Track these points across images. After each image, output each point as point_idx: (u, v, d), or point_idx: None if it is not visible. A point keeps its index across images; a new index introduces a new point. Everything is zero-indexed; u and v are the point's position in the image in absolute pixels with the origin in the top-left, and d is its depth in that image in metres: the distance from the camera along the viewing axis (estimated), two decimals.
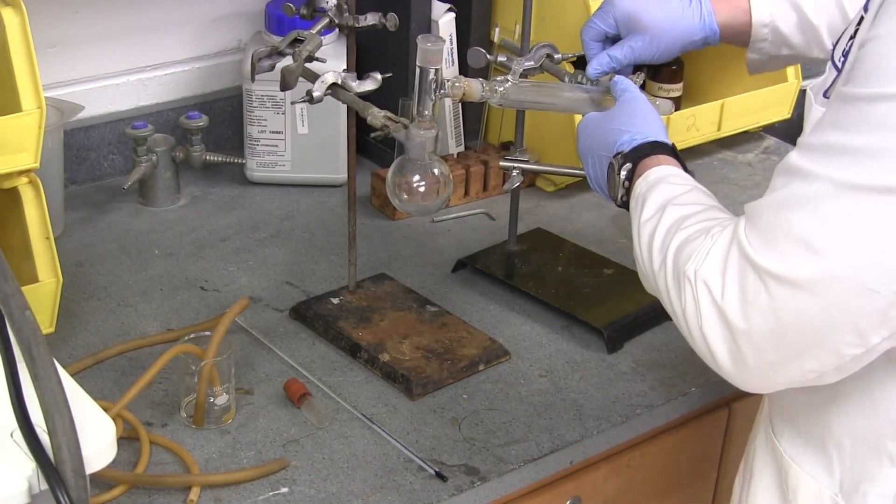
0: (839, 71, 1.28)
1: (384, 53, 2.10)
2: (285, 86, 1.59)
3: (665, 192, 1.37)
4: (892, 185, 1.09)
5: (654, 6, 1.65)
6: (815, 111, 1.33)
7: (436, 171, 1.54)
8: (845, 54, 1.28)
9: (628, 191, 1.44)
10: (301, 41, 1.63)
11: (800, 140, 1.21)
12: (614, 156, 1.47)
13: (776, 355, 1.18)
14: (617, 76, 1.61)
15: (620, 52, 1.64)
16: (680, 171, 1.43)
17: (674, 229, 1.31)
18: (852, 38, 1.27)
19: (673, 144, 1.47)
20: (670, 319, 1.47)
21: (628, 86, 1.58)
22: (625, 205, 1.46)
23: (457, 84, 1.54)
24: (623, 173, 1.45)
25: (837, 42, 1.34)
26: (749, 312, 1.17)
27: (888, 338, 1.15)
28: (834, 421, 1.33)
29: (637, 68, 2.32)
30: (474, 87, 1.56)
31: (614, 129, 1.50)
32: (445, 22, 2.14)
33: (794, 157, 1.18)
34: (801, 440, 1.39)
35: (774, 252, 1.15)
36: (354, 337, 1.70)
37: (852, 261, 1.11)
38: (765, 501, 1.47)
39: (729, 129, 2.36)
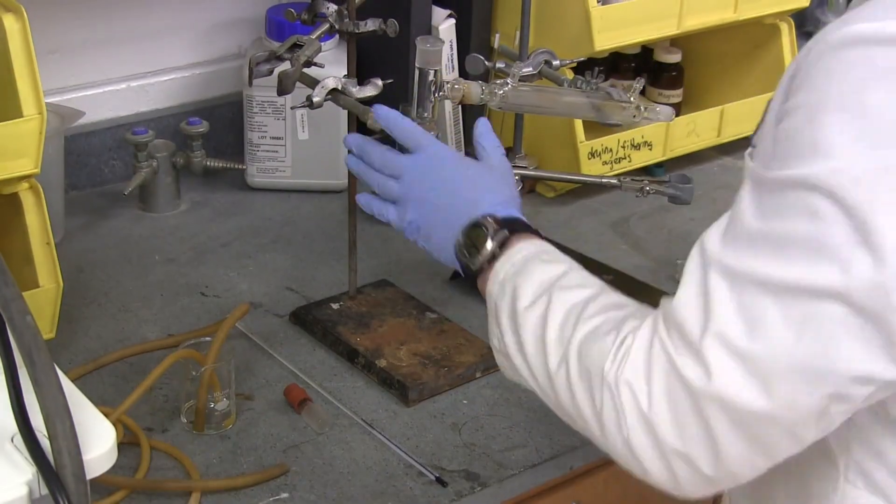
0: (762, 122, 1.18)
1: (385, 59, 2.10)
2: (282, 90, 1.59)
3: (543, 273, 1.24)
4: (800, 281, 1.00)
5: None
6: (747, 165, 1.15)
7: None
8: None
9: (491, 260, 1.29)
10: (300, 46, 1.63)
11: (718, 225, 1.11)
12: (483, 216, 1.31)
13: (718, 468, 1.08)
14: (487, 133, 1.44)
15: None
16: (550, 246, 1.30)
17: (572, 320, 1.17)
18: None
19: (536, 228, 1.34)
20: None
21: (494, 143, 1.43)
22: (472, 274, 1.32)
23: (456, 86, 1.54)
24: (496, 241, 1.29)
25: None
26: (684, 435, 1.06)
27: (822, 430, 1.06)
28: (775, 490, 1.25)
29: (637, 74, 2.34)
30: (473, 90, 1.56)
31: (490, 187, 1.37)
32: (446, 28, 2.14)
33: (709, 241, 1.10)
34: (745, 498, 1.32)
35: (700, 363, 1.04)
36: (352, 342, 1.70)
37: (785, 381, 1.01)
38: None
39: (729, 135, 2.36)
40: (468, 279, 1.33)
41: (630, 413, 1.08)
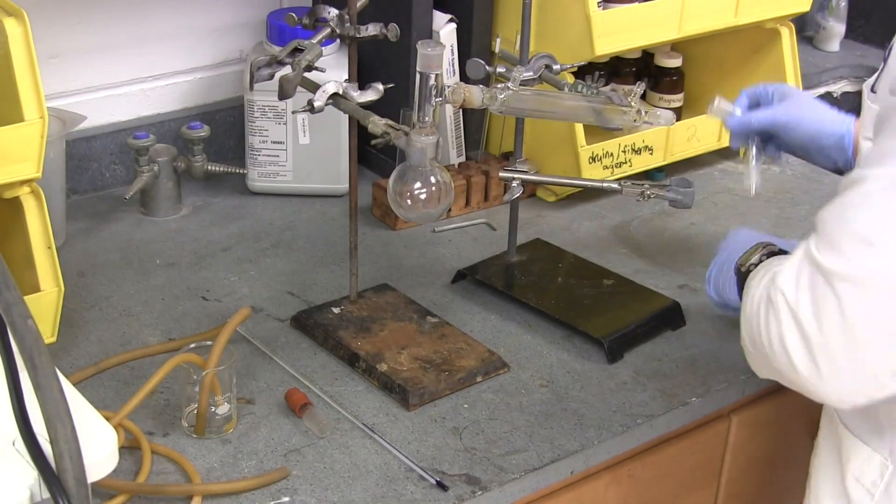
0: (885, 63, 1.32)
1: (386, 64, 2.10)
2: (283, 95, 1.60)
3: (761, 269, 1.42)
4: None
5: (808, 96, 1.76)
6: (864, 106, 1.38)
7: (437, 178, 1.54)
8: (889, 50, 1.33)
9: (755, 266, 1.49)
10: (301, 51, 1.63)
11: (859, 158, 1.29)
12: (764, 244, 1.54)
13: (852, 359, 1.21)
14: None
15: (766, 110, 1.74)
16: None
17: (762, 271, 1.36)
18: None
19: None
20: (671, 329, 1.49)
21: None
22: (742, 276, 1.51)
23: (457, 90, 1.54)
24: (759, 253, 1.51)
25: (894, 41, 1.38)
26: (820, 317, 1.20)
27: None
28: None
29: (637, 78, 2.34)
30: (475, 94, 1.56)
31: (741, 240, 1.61)
32: (447, 32, 2.15)
33: (855, 170, 1.23)
34: (858, 413, 1.44)
35: (837, 253, 1.19)
36: (353, 347, 1.70)
37: None
38: (824, 469, 1.53)
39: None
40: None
41: (783, 313, 1.24)
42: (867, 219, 1.18)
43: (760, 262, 1.49)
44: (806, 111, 1.74)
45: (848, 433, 1.47)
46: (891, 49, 1.34)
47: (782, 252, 1.52)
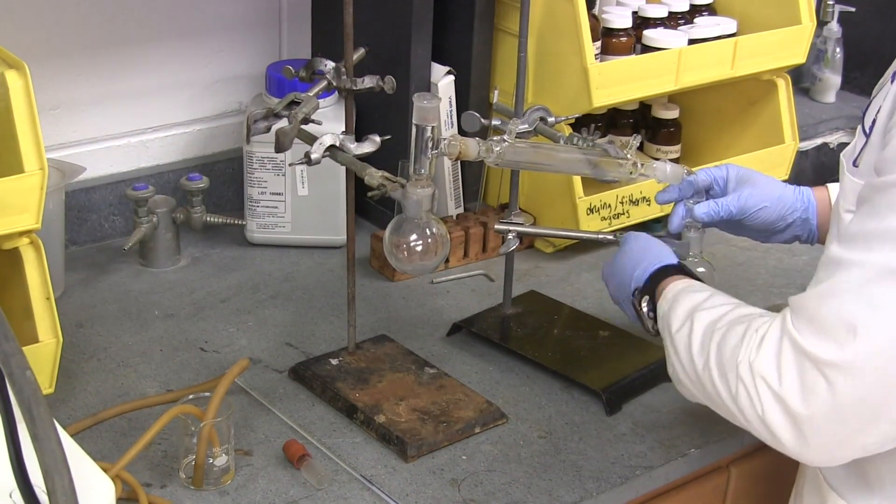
0: (867, 137, 1.32)
1: (385, 116, 2.11)
2: (280, 147, 1.60)
3: (688, 302, 1.45)
4: None
5: (756, 172, 1.75)
6: (846, 180, 1.38)
7: (433, 230, 1.55)
8: (872, 124, 1.33)
9: (656, 318, 1.54)
10: (298, 103, 1.64)
11: (839, 231, 1.29)
12: (633, 294, 1.59)
13: (839, 435, 1.25)
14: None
15: (727, 199, 1.71)
16: (694, 281, 1.53)
17: (710, 330, 1.37)
18: (878, 110, 1.32)
19: (680, 263, 1.59)
20: (668, 381, 1.50)
21: (628, 234, 1.70)
22: (658, 332, 1.54)
23: (453, 142, 1.55)
24: (645, 307, 1.56)
25: (867, 108, 1.38)
26: (809, 400, 1.23)
27: None
28: (877, 456, 1.37)
29: (634, 130, 2.35)
30: (471, 146, 1.57)
31: (624, 270, 1.62)
32: (445, 84, 2.16)
33: (835, 249, 1.25)
34: (843, 468, 1.44)
35: (826, 340, 1.21)
36: (351, 398, 1.70)
37: None
38: None
39: None
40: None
41: (764, 395, 1.27)
42: (855, 308, 1.20)
43: (653, 317, 1.54)
44: (769, 191, 1.72)
45: (833, 494, 1.47)
46: (873, 124, 1.34)
47: (667, 271, 1.55)
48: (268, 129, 1.67)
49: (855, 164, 1.36)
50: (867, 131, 1.35)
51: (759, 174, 1.74)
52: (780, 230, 1.73)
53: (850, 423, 1.23)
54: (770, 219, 1.71)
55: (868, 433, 1.25)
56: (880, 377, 1.20)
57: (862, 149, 1.35)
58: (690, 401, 1.48)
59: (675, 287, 1.51)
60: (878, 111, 1.32)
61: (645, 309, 1.56)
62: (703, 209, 1.68)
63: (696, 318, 1.41)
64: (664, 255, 1.60)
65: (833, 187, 1.74)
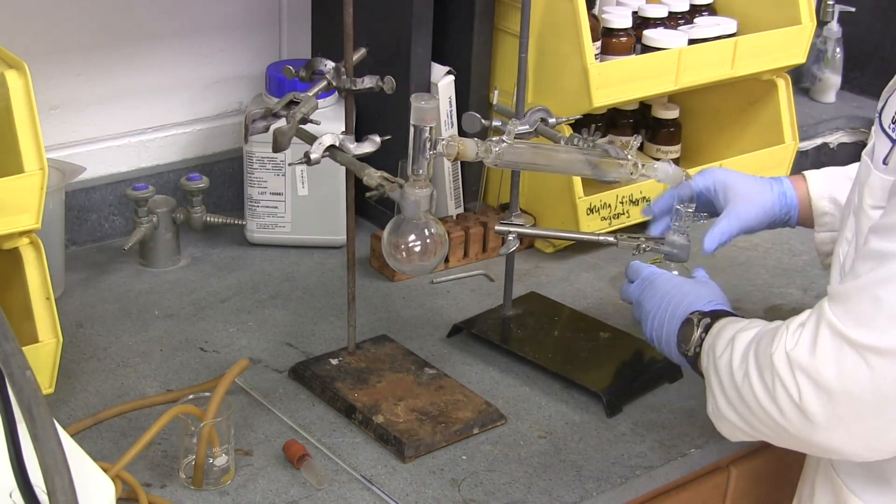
0: (894, 141, 1.33)
1: (385, 116, 2.11)
2: (277, 147, 1.60)
3: (731, 329, 1.46)
4: None
5: (740, 178, 1.78)
6: (874, 177, 1.37)
7: (431, 230, 1.55)
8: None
9: (701, 344, 1.53)
10: (297, 103, 1.64)
11: (875, 224, 1.29)
12: (691, 313, 1.58)
13: (877, 422, 1.26)
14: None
15: (728, 223, 1.75)
16: (743, 318, 1.53)
17: (751, 343, 1.39)
18: None
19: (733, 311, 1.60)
20: (669, 382, 1.50)
21: (701, 272, 1.72)
22: (694, 357, 1.55)
23: (451, 143, 1.55)
24: (701, 328, 1.54)
25: (883, 108, 1.38)
26: (849, 387, 1.25)
27: None
28: None
29: (634, 130, 2.35)
30: (469, 147, 1.56)
31: (692, 292, 1.63)
32: (445, 84, 2.16)
33: (875, 241, 1.26)
34: (862, 472, 1.45)
35: (871, 329, 1.23)
36: (350, 398, 1.70)
37: None
38: None
39: None
40: (690, 365, 1.59)
41: (803, 383, 1.27)
42: None
43: (702, 337, 1.54)
44: (758, 200, 1.77)
45: (847, 490, 1.47)
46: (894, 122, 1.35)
47: (717, 314, 1.56)
48: (266, 129, 1.67)
49: (885, 162, 1.36)
50: (890, 133, 1.36)
51: (739, 176, 1.76)
52: (763, 227, 1.80)
53: (889, 411, 1.24)
54: (760, 227, 1.78)
55: None
56: None
57: (891, 150, 1.35)
58: (730, 438, 1.49)
59: (724, 321, 1.52)
60: None
61: (700, 329, 1.55)
62: (711, 242, 1.73)
63: (737, 339, 1.42)
64: (723, 299, 1.63)
65: (811, 175, 1.79)
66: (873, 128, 1.42)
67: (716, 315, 1.56)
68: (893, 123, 1.35)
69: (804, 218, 1.82)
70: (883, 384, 1.22)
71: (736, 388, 1.39)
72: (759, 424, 1.37)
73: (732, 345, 1.42)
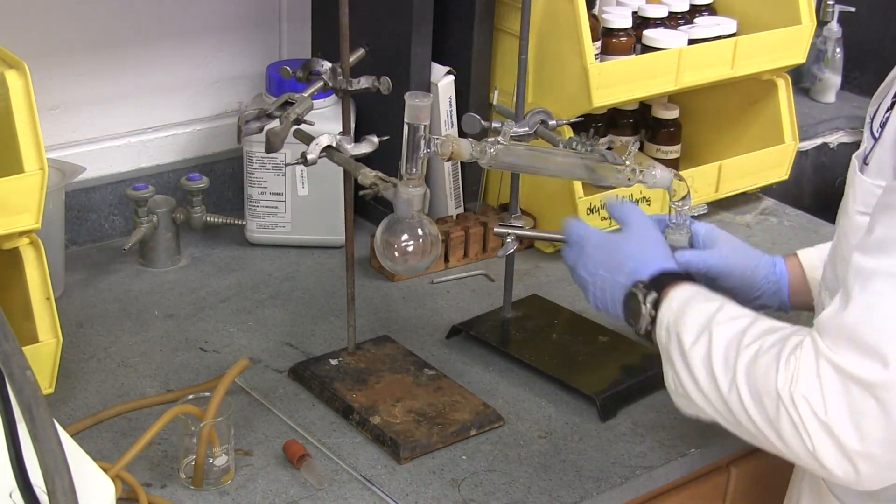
0: (876, 140, 1.31)
1: (384, 116, 2.11)
2: (270, 148, 1.60)
3: (700, 313, 1.39)
4: None
5: (734, 238, 1.72)
6: (857, 180, 1.36)
7: (424, 230, 1.55)
8: (883, 125, 1.31)
9: (654, 319, 1.47)
10: (292, 104, 1.64)
11: (861, 242, 1.24)
12: (633, 284, 1.51)
13: (891, 457, 1.21)
14: (622, 203, 1.65)
15: (710, 255, 1.67)
16: (702, 287, 1.47)
17: (734, 348, 1.31)
18: (889, 109, 1.31)
19: (686, 272, 1.53)
20: (664, 388, 1.48)
21: (633, 210, 1.61)
22: (647, 333, 1.49)
23: (445, 142, 1.54)
24: (648, 304, 1.48)
25: (875, 112, 1.37)
26: (861, 424, 1.18)
27: None
28: None
29: (635, 130, 2.35)
30: (464, 147, 1.56)
31: (631, 255, 1.54)
32: (445, 85, 2.16)
33: (861, 259, 1.21)
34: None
35: (870, 360, 1.17)
36: (348, 399, 1.70)
37: None
38: None
39: (727, 190, 2.37)
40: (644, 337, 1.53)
41: (810, 423, 1.21)
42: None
43: (652, 315, 1.47)
44: (746, 255, 1.69)
45: (835, 499, 1.46)
46: (882, 125, 1.32)
47: (661, 282, 1.48)
48: (260, 130, 1.67)
49: (866, 162, 1.36)
50: (875, 133, 1.35)
51: (728, 234, 1.71)
52: (750, 299, 1.68)
53: None
54: (744, 284, 1.68)
55: None
56: None
57: (871, 149, 1.35)
58: (687, 413, 1.43)
59: (681, 294, 1.45)
60: (889, 112, 1.31)
61: (648, 306, 1.47)
62: (684, 257, 1.63)
63: (714, 333, 1.34)
64: (668, 257, 1.54)
65: (804, 254, 1.71)
66: (865, 132, 1.41)
67: (660, 283, 1.48)
68: (881, 126, 1.34)
69: (796, 299, 1.72)
70: (894, 420, 1.17)
71: (719, 393, 1.32)
72: (744, 432, 1.33)
73: (710, 339, 1.34)
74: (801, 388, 1.21)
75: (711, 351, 1.33)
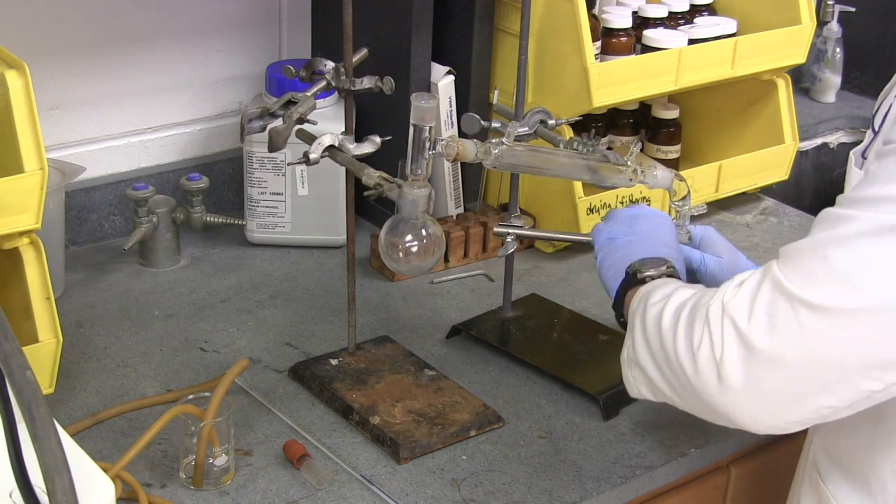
0: (876, 134, 1.32)
1: (385, 116, 2.11)
2: (273, 147, 1.60)
3: (671, 287, 1.39)
4: None
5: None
6: (854, 174, 1.37)
7: (428, 230, 1.55)
8: (884, 119, 1.32)
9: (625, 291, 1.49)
10: (295, 103, 1.64)
11: (839, 197, 1.25)
12: (668, 264, 1.51)
13: (797, 387, 1.20)
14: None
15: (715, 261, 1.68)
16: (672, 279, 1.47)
17: (690, 299, 1.32)
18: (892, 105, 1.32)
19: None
20: None
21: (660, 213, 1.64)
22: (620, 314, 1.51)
23: (450, 143, 1.55)
24: (660, 270, 1.49)
25: (879, 107, 1.37)
26: (777, 341, 1.19)
27: None
28: (878, 460, 1.37)
29: (635, 130, 2.35)
30: (468, 148, 1.56)
31: (665, 241, 1.56)
32: (445, 84, 2.16)
33: (834, 209, 1.22)
34: (846, 481, 1.43)
35: (814, 285, 1.18)
36: (348, 399, 1.70)
37: (892, 295, 1.15)
38: None
39: (727, 190, 2.37)
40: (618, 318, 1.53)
41: (728, 333, 1.22)
42: (852, 260, 1.17)
43: (659, 276, 1.48)
44: (732, 264, 1.68)
45: (832, 500, 1.46)
46: (886, 115, 1.33)
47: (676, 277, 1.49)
48: (263, 129, 1.67)
49: (864, 155, 1.36)
50: (876, 128, 1.35)
51: (723, 239, 1.71)
52: None
53: (814, 375, 1.19)
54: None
55: (825, 394, 1.20)
56: (860, 330, 1.16)
57: (870, 143, 1.35)
58: (635, 392, 1.43)
59: (666, 280, 1.46)
60: (890, 108, 1.32)
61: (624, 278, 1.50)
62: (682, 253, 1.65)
63: (676, 293, 1.36)
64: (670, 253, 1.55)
65: None
66: (868, 130, 1.42)
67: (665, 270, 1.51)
68: (883, 120, 1.35)
69: None
70: (813, 344, 1.17)
71: (660, 334, 1.32)
72: (672, 378, 1.32)
73: (669, 297, 1.35)
74: (734, 301, 1.23)
75: (667, 305, 1.34)
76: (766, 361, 1.19)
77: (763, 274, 1.23)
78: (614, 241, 1.58)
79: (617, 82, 2.08)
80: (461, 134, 2.04)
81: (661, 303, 1.35)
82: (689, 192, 1.66)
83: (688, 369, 1.27)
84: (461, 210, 2.25)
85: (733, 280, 1.26)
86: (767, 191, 2.49)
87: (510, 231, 1.74)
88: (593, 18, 2.12)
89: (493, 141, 1.59)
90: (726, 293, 1.25)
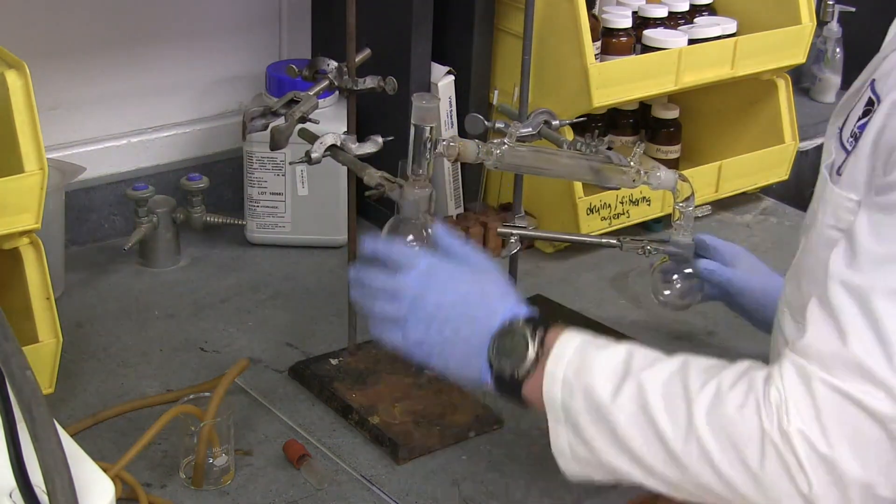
0: (849, 152, 1.29)
1: (386, 116, 2.11)
2: (275, 145, 1.60)
3: (607, 360, 1.25)
4: None
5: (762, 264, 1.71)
6: (829, 191, 1.31)
7: (429, 230, 1.55)
8: (855, 136, 1.28)
9: (535, 362, 1.29)
10: (297, 102, 1.64)
11: (846, 257, 1.17)
12: (511, 320, 1.32)
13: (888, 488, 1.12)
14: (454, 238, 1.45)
15: (733, 272, 1.67)
16: (589, 333, 1.31)
17: (680, 397, 1.18)
18: (861, 118, 1.28)
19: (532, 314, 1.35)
20: None
21: (460, 244, 1.43)
22: (514, 382, 1.29)
23: (452, 144, 1.55)
24: (534, 345, 1.29)
25: (845, 122, 1.34)
26: (864, 453, 1.10)
27: None
28: None
29: (635, 130, 2.35)
30: (470, 148, 1.56)
31: (493, 290, 1.36)
32: (445, 85, 2.16)
33: (852, 277, 1.14)
34: None
35: (884, 392, 1.08)
36: (347, 398, 1.70)
37: None
38: None
39: (727, 190, 2.37)
40: (502, 390, 1.31)
41: (808, 460, 1.10)
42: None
43: (538, 356, 1.28)
44: (758, 280, 1.67)
45: None
46: (861, 132, 1.27)
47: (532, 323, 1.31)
48: (265, 127, 1.66)
49: (839, 173, 1.31)
50: (847, 146, 1.30)
51: (750, 254, 1.71)
52: (761, 319, 1.66)
53: None
54: (758, 304, 1.67)
55: None
56: None
57: (844, 161, 1.30)
58: (575, 477, 1.31)
59: (569, 342, 1.29)
60: (862, 121, 1.28)
61: (534, 348, 1.29)
62: (709, 267, 1.66)
63: (644, 381, 1.20)
64: (517, 298, 1.36)
65: None
66: (833, 144, 1.35)
67: (541, 327, 1.31)
68: (852, 137, 1.30)
69: None
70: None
71: (666, 451, 1.18)
72: (688, 490, 1.20)
73: (641, 389, 1.19)
74: (795, 424, 1.11)
75: (648, 403, 1.19)
76: (860, 486, 1.10)
77: (806, 384, 1.12)
78: (424, 346, 1.38)
79: (617, 82, 2.08)
80: (462, 134, 2.03)
81: (632, 398, 1.19)
82: (692, 193, 1.66)
83: (747, 492, 1.15)
84: (461, 210, 2.25)
85: (752, 389, 1.14)
86: (767, 191, 2.49)
87: (514, 232, 1.74)
88: (593, 18, 2.12)
89: (495, 141, 1.59)
90: (772, 413, 1.12)
